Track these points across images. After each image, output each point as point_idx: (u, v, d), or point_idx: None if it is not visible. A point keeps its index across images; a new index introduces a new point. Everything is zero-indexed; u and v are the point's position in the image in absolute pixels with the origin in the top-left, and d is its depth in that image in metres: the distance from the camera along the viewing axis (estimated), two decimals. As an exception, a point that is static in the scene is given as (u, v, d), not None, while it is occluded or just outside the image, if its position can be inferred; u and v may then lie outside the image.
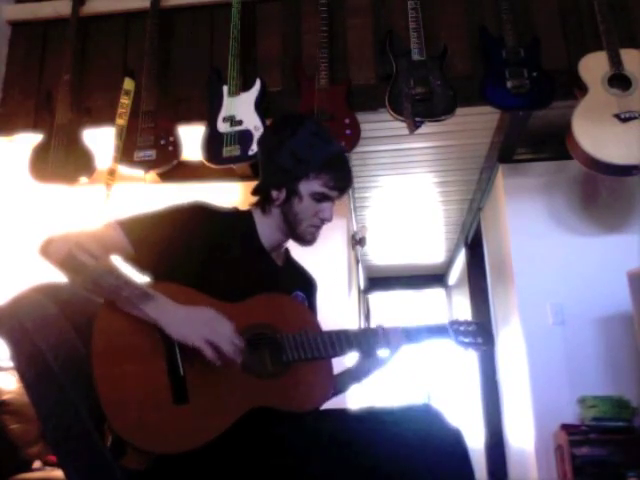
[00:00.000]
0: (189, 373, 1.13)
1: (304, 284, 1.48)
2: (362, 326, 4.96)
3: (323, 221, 1.39)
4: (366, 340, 1.34)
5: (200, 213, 1.34)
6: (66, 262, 1.18)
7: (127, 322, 1.14)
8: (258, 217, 1.42)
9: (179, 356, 1.13)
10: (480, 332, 1.43)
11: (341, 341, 1.29)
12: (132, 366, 1.11)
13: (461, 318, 1.47)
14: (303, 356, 1.24)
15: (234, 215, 1.42)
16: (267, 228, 1.41)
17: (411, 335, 1.38)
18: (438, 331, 1.42)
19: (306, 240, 1.40)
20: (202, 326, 1.13)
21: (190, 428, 1.10)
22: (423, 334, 1.40)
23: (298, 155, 1.34)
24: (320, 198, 1.36)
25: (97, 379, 1.08)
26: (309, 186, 1.35)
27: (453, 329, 1.41)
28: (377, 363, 1.38)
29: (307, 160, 1.34)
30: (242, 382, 1.16)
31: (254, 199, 1.45)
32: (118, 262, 1.24)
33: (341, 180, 1.38)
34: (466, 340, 1.41)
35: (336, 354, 1.29)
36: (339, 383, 1.39)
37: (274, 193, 1.38)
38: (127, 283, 1.15)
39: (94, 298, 1.19)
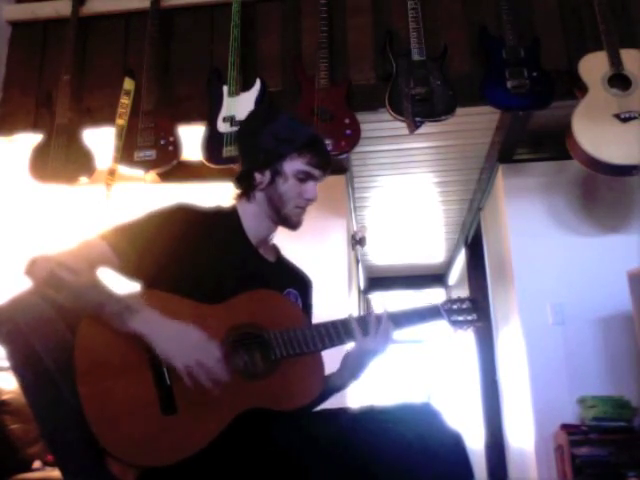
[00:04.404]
0: (176, 382, 1.12)
1: (297, 282, 1.46)
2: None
3: (308, 201, 1.40)
4: (352, 327, 1.31)
5: (182, 215, 1.32)
6: (49, 281, 1.16)
7: (109, 335, 1.12)
8: (242, 209, 1.41)
9: (165, 365, 1.12)
10: (474, 308, 1.40)
11: (330, 333, 1.28)
12: (117, 380, 1.10)
13: (453, 296, 1.44)
14: (292, 352, 1.22)
15: (217, 213, 1.41)
16: (253, 218, 1.40)
17: (401, 320, 1.35)
18: (430, 313, 1.39)
19: (292, 222, 1.40)
20: (187, 351, 1.11)
21: (180, 438, 1.09)
22: (414, 318, 1.37)
23: (280, 136, 1.37)
24: (304, 177, 1.37)
25: (82, 398, 1.06)
26: (293, 165, 1.37)
27: (445, 309, 1.39)
28: (370, 351, 1.33)
29: (290, 139, 1.37)
30: (231, 386, 1.14)
31: (237, 192, 1.44)
32: (105, 275, 1.22)
33: (323, 158, 1.40)
34: (460, 318, 1.38)
35: (325, 347, 1.27)
36: (337, 379, 1.38)
37: (258, 176, 1.38)
38: (111, 297, 1.14)
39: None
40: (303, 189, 1.38)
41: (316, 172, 1.39)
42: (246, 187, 1.42)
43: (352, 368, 1.37)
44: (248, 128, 1.47)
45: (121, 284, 1.24)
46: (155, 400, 1.10)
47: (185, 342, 1.12)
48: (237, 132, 1.59)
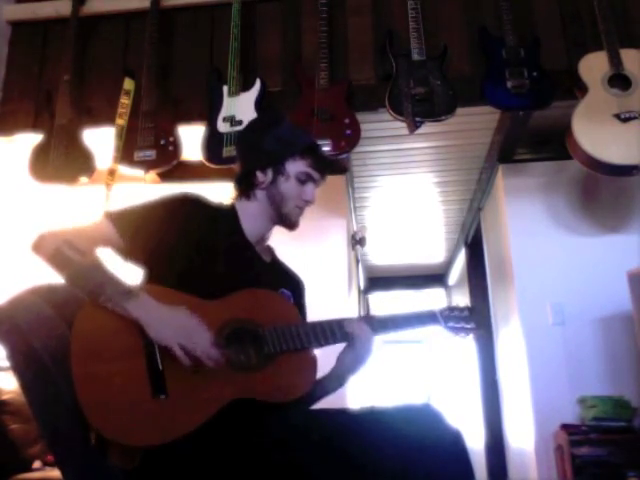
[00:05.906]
0: (168, 367, 1.15)
1: (290, 283, 1.49)
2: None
3: (306, 203, 1.45)
4: (340, 329, 1.32)
5: (188, 204, 1.38)
6: (54, 258, 1.21)
7: (106, 321, 1.15)
8: (242, 208, 1.45)
9: (158, 351, 1.15)
10: (472, 317, 1.42)
11: (324, 331, 1.30)
12: (111, 364, 1.12)
13: (453, 303, 1.47)
14: (285, 347, 1.25)
15: (219, 209, 1.45)
16: (251, 217, 1.44)
17: (400, 322, 1.38)
18: (427, 318, 1.41)
19: (291, 221, 1.45)
20: (181, 332, 1.14)
21: (169, 420, 1.11)
22: (412, 321, 1.39)
23: (284, 139, 1.44)
24: (305, 179, 1.43)
25: (75, 379, 1.09)
26: (295, 166, 1.43)
27: (443, 315, 1.41)
28: (358, 356, 1.33)
29: (293, 142, 1.44)
30: (222, 375, 1.17)
31: (235, 192, 1.48)
32: (107, 257, 1.27)
33: (323, 162, 1.47)
34: (457, 326, 1.41)
35: (319, 344, 1.29)
36: (322, 386, 1.37)
37: (260, 176, 1.43)
38: (111, 280, 1.19)
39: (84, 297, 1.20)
40: (303, 190, 1.44)
41: (316, 175, 1.45)
42: (246, 186, 1.45)
43: (340, 371, 1.37)
44: (251, 132, 1.53)
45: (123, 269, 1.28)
46: (147, 383, 1.12)
47: (178, 324, 1.16)
48: (239, 135, 1.63)
